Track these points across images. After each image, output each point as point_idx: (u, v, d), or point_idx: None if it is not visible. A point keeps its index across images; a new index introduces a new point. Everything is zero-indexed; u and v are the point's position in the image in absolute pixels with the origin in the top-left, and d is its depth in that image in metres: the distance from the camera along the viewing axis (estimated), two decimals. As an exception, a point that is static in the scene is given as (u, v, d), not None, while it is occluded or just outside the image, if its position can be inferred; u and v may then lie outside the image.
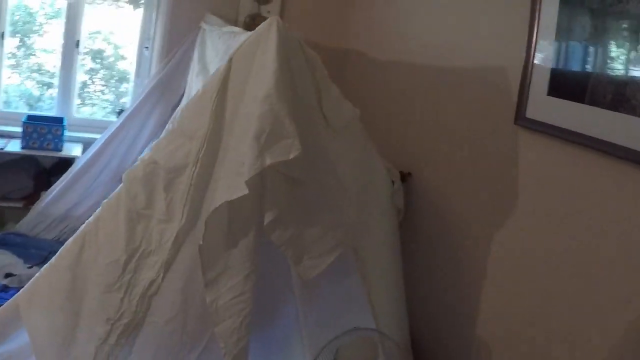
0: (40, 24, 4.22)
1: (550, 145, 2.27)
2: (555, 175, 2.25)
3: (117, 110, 4.02)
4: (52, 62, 4.22)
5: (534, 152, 2.38)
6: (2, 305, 2.84)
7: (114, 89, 4.44)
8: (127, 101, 4.30)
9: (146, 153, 2.26)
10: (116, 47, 4.38)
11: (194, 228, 2.16)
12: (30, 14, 4.15)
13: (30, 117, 3.80)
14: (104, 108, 4.46)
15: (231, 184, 2.02)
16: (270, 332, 2.42)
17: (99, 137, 3.65)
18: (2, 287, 3.12)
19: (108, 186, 3.58)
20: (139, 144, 3.63)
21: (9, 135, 3.82)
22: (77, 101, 4.19)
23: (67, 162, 3.87)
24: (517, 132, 2.45)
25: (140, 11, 4.03)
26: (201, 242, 2.09)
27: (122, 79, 4.44)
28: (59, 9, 4.12)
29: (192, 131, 2.13)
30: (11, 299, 2.32)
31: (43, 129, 3.66)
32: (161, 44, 3.64)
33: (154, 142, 2.27)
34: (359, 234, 2.43)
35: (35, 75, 4.29)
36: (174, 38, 3.59)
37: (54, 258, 2.31)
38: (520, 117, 2.42)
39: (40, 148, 3.69)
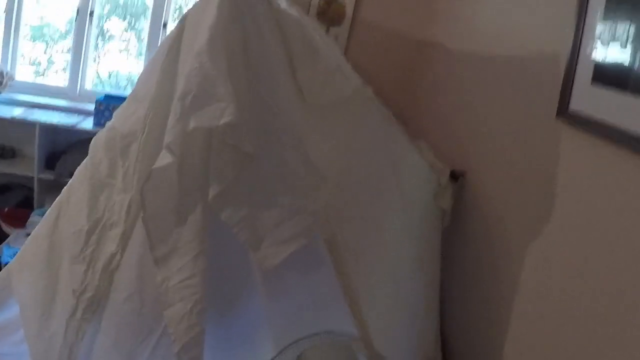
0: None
1: (595, 144, 1.87)
2: (601, 178, 1.84)
3: None
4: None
5: (578, 149, 1.98)
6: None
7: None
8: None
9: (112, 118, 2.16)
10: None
11: (143, 200, 2.02)
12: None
13: (107, 96, 3.85)
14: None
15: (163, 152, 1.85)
16: (235, 324, 2.19)
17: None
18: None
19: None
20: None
21: (88, 113, 3.92)
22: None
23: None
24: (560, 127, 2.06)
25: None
26: (143, 214, 1.92)
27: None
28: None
29: (142, 95, 2.00)
30: (5, 267, 2.33)
31: (115, 107, 3.68)
32: None
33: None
34: (355, 228, 2.15)
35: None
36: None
37: (37, 225, 2.29)
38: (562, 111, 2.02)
39: (107, 127, 3.74)
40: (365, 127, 2.22)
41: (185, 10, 2.07)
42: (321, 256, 2.05)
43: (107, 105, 3.70)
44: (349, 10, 3.44)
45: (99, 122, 3.71)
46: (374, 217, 2.24)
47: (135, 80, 2.23)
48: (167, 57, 1.93)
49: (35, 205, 3.81)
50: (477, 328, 2.53)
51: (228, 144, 1.82)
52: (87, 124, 3.80)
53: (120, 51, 4.33)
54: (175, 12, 4.05)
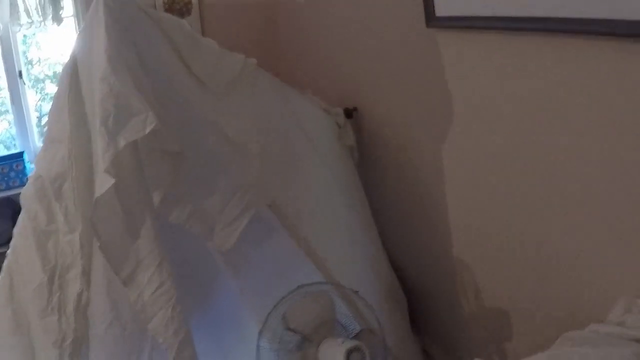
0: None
1: (468, 39, 2.11)
2: (481, 67, 2.09)
3: None
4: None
5: (454, 50, 2.21)
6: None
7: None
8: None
9: (34, 169, 2.19)
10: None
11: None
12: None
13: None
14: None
15: (100, 178, 1.92)
16: (216, 313, 2.31)
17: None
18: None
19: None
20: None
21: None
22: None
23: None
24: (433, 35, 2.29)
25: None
26: (98, 243, 1.99)
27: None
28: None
29: (58, 135, 2.04)
30: None
31: (4, 168, 3.66)
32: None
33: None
34: (289, 187, 2.30)
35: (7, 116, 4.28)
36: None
37: None
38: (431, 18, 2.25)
39: (8, 188, 3.69)
40: (263, 96, 2.37)
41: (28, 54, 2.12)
42: (268, 224, 2.19)
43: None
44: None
45: (-5, 189, 3.67)
46: (300, 175, 2.39)
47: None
48: (70, 92, 1.98)
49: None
50: (417, 245, 2.75)
51: (156, 150, 1.92)
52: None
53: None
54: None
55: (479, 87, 2.12)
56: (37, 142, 4.09)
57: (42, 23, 3.72)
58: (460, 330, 2.58)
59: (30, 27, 3.73)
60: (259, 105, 2.32)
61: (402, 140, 2.74)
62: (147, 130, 1.82)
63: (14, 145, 4.23)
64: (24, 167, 3.71)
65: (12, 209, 3.87)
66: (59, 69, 4.26)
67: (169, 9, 3.54)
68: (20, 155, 3.84)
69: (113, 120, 1.82)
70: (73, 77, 2.00)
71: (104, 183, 1.87)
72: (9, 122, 4.25)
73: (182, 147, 1.96)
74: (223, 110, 2.15)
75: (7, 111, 4.22)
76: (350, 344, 1.92)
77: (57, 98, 2.05)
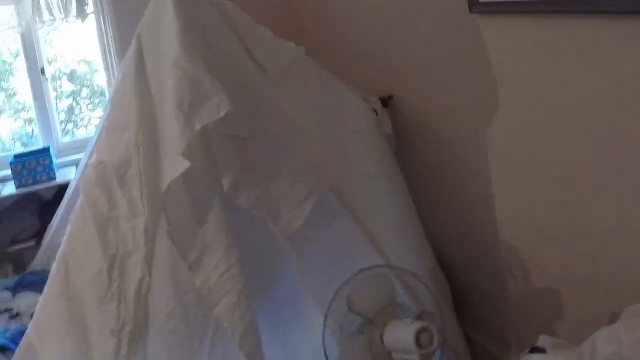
0: (10, 64, 4.19)
1: (512, 24, 2.12)
2: (525, 52, 2.11)
3: None
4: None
5: (498, 35, 2.23)
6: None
7: (99, 104, 4.38)
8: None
9: (94, 156, 2.18)
10: (88, 63, 4.32)
11: (160, 217, 2.07)
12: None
13: (17, 156, 3.77)
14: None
15: (173, 162, 1.92)
16: (280, 299, 2.31)
17: (83, 155, 3.58)
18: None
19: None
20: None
21: (2, 180, 3.81)
22: (69, 126, 4.16)
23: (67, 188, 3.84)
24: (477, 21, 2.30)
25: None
26: (167, 227, 1.99)
27: (102, 93, 4.37)
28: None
29: (124, 121, 2.03)
30: (23, 338, 2.28)
31: (31, 163, 3.63)
32: (120, 49, 3.51)
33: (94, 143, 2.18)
34: (341, 174, 2.31)
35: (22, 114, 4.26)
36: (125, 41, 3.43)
37: (45, 287, 2.27)
38: (474, 4, 2.27)
39: (35, 182, 3.67)
40: (313, 82, 2.38)
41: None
42: (330, 208, 2.20)
43: (23, 164, 3.61)
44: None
45: (21, 183, 3.63)
46: (347, 162, 2.41)
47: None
48: (136, 77, 1.98)
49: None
50: (460, 233, 2.77)
51: (226, 134, 1.93)
52: (9, 189, 3.70)
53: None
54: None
55: (523, 72, 2.15)
56: (60, 138, 4.07)
57: (65, 20, 3.69)
58: (507, 317, 2.60)
59: (53, 24, 3.70)
60: (311, 91, 2.34)
61: (441, 128, 2.76)
62: (222, 114, 1.83)
63: (32, 142, 4.22)
64: (51, 162, 3.69)
65: (38, 204, 3.86)
66: (77, 66, 4.26)
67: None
68: (46, 150, 3.82)
69: (188, 104, 1.82)
70: (139, 63, 2.00)
71: (177, 167, 1.87)
72: (26, 121, 4.23)
73: (250, 131, 1.97)
74: (284, 96, 2.16)
75: (23, 109, 4.21)
76: (418, 324, 1.94)
77: (122, 84, 2.05)
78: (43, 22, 3.66)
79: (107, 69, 3.95)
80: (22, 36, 3.78)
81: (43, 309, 2.26)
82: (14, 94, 4.20)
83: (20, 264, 3.85)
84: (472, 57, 2.38)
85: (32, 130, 4.26)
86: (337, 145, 2.40)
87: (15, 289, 3.41)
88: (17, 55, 4.10)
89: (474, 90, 2.43)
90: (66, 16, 3.66)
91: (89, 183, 2.12)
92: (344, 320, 2.13)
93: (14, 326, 3.14)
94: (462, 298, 2.78)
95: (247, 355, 1.93)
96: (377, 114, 2.78)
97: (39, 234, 3.74)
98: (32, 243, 3.74)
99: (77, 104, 4.30)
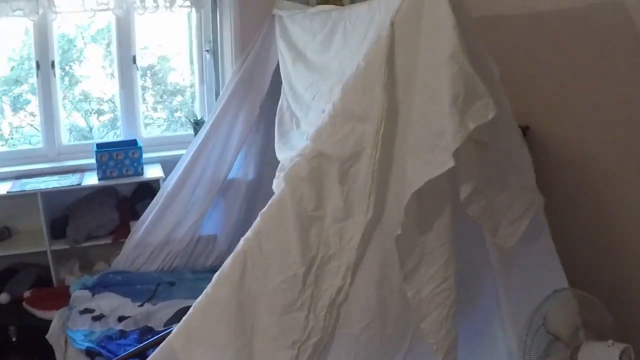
0: (80, 50, 3.95)
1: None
2: None
3: (193, 121, 3.73)
4: (99, 88, 3.97)
5: None
6: (128, 352, 2.63)
7: (168, 103, 4.19)
8: (181, 115, 4.10)
9: (302, 147, 2.00)
10: (164, 60, 4.12)
11: (380, 219, 1.92)
12: (70, 41, 3.87)
13: (99, 146, 3.53)
14: (159, 126, 4.20)
15: (430, 160, 1.78)
16: (472, 316, 2.19)
17: (184, 153, 3.39)
18: (119, 333, 2.88)
19: (206, 200, 3.37)
20: (230, 151, 3.35)
21: (80, 170, 3.56)
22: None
23: (148, 186, 3.62)
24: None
25: (189, 15, 3.79)
26: (399, 232, 1.85)
27: (174, 92, 4.18)
28: (100, 29, 3.87)
29: (362, 112, 1.88)
30: (163, 343, 2.05)
31: (119, 154, 3.40)
32: (234, 42, 3.35)
33: (311, 133, 2.01)
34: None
35: (82, 105, 4.01)
36: (246, 34, 3.30)
37: (208, 288, 2.05)
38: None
39: (120, 175, 3.44)
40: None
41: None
42: (537, 225, 2.10)
43: (110, 154, 3.38)
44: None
45: (105, 175, 3.39)
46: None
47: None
48: (386, 67, 1.84)
49: (54, 281, 3.40)
50: (599, 265, 2.68)
51: (473, 139, 1.80)
52: (90, 180, 3.45)
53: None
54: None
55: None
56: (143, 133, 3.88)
57: (169, 9, 3.49)
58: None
59: (155, 11, 3.49)
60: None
61: (583, 161, 2.70)
62: (490, 117, 1.72)
63: (90, 136, 3.99)
64: (140, 156, 3.46)
65: (117, 198, 3.63)
66: (154, 61, 4.06)
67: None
68: (134, 142, 3.60)
69: (462, 101, 1.70)
70: (390, 54, 1.86)
71: (439, 166, 1.74)
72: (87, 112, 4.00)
73: (490, 138, 1.85)
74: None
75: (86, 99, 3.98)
76: (621, 346, 1.89)
77: (365, 71, 1.90)
78: (145, 8, 3.43)
79: (201, 65, 3.78)
80: (118, 20, 3.56)
81: (199, 313, 2.03)
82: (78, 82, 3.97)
83: (87, 262, 3.59)
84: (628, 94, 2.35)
85: (90, 126, 4.04)
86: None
87: (94, 289, 3.16)
88: (89, 42, 3.88)
89: (620, 122, 2.39)
90: (171, 5, 3.46)
91: (297, 176, 1.94)
92: (542, 339, 2.05)
93: (98, 328, 2.91)
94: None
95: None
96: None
97: (117, 232, 3.50)
98: (108, 240, 3.48)
99: (144, 100, 4.07)
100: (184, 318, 2.04)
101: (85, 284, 3.19)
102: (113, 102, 3.98)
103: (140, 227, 3.32)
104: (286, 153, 2.45)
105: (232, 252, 3.40)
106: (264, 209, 2.03)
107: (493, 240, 2.00)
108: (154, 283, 3.21)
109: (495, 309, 2.19)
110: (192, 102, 4.03)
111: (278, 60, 3.17)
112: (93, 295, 3.13)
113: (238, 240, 3.40)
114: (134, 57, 3.69)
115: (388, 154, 1.88)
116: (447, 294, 1.90)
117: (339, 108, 1.93)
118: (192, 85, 4.04)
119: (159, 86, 4.15)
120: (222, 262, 3.34)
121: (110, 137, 4.02)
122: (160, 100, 4.17)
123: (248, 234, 2.03)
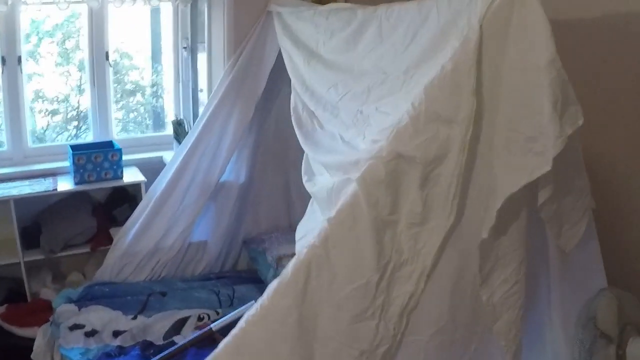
0: (35, 46, 3.65)
1: None
2: None
3: (175, 121, 3.54)
4: (54, 87, 3.69)
5: None
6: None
7: (126, 103, 3.95)
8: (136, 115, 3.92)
9: (377, 148, 1.92)
10: (125, 57, 3.89)
11: (458, 223, 1.89)
12: (27, 36, 3.56)
13: (75, 148, 3.28)
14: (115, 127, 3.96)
15: (523, 164, 1.77)
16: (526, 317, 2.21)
17: (173, 156, 3.20)
18: (117, 349, 2.69)
19: (197, 206, 3.18)
20: (222, 154, 3.17)
21: (50, 174, 3.31)
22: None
23: (123, 190, 3.40)
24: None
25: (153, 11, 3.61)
26: (485, 236, 1.83)
27: (134, 91, 3.96)
28: (56, 24, 3.59)
29: (449, 114, 1.83)
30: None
31: (98, 157, 3.17)
32: (226, 39, 3.13)
33: (390, 132, 1.93)
34: None
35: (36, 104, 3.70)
36: (240, 31, 3.11)
37: (264, 300, 1.90)
38: None
39: (99, 180, 3.21)
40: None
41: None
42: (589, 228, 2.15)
43: (88, 157, 3.14)
44: None
45: (83, 179, 3.15)
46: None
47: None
48: (475, 71, 1.81)
49: (28, 295, 3.12)
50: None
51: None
52: (65, 184, 3.20)
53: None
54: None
55: None
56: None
57: (147, 3, 3.30)
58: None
59: (134, 4, 3.27)
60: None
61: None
62: (580, 122, 1.73)
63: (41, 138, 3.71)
64: (120, 159, 3.25)
65: (91, 204, 3.38)
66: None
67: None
68: (110, 144, 3.38)
69: (560, 106, 1.71)
70: (478, 56, 1.82)
71: (535, 170, 1.74)
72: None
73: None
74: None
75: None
76: None
77: (452, 73, 1.85)
78: (123, 1, 3.22)
79: (177, 63, 3.60)
80: (91, 12, 3.32)
81: (253, 327, 1.91)
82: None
83: (59, 273, 3.33)
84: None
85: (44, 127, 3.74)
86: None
87: (80, 302, 2.93)
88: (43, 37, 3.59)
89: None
90: (149, -2, 3.26)
91: (373, 179, 1.86)
92: (591, 336, 2.10)
93: (94, 345, 2.71)
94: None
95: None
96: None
97: (95, 239, 3.27)
98: (86, 249, 3.24)
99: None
100: (232, 332, 1.90)
101: (70, 297, 2.95)
102: (68, 102, 3.73)
103: (127, 235, 3.11)
104: (325, 156, 2.35)
105: (222, 258, 3.41)
106: (332, 215, 1.90)
107: (557, 242, 2.02)
108: (144, 294, 3.01)
109: (547, 309, 2.21)
110: (156, 101, 3.83)
111: (274, 59, 3.09)
112: (79, 309, 2.89)
113: (229, 246, 3.42)
114: (107, 53, 3.45)
115: (471, 158, 1.86)
116: (517, 296, 1.91)
117: (421, 110, 1.86)
118: (154, 85, 3.85)
119: (117, 85, 3.91)
120: (212, 269, 3.35)
121: (64, 139, 3.75)
122: (120, 99, 3.93)
123: (314, 241, 1.90)
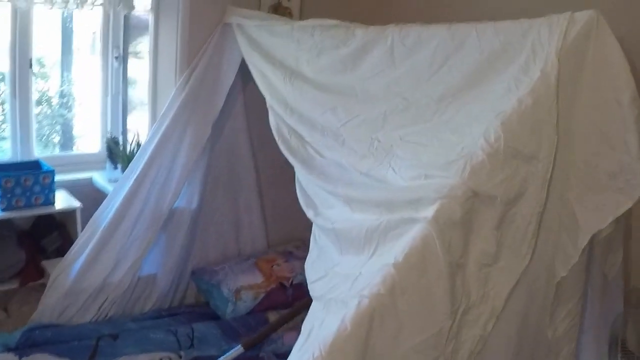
0: None
1: None
2: None
3: (110, 139, 3.14)
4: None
5: None
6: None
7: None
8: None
9: (442, 184, 1.80)
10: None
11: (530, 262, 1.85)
12: None
13: (7, 167, 2.85)
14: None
15: (604, 202, 1.80)
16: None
17: (119, 181, 2.85)
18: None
19: (147, 237, 2.85)
20: (174, 177, 2.86)
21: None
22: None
23: (50, 217, 2.97)
24: None
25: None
26: (564, 274, 1.85)
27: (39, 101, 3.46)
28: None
29: (530, 150, 1.78)
30: None
31: (28, 180, 2.73)
32: (179, 53, 2.85)
33: (459, 168, 1.81)
34: None
35: None
36: (193, 43, 2.85)
37: (316, 355, 1.70)
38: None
39: (28, 206, 2.77)
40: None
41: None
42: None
43: (17, 180, 2.70)
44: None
45: (11, 204, 2.71)
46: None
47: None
48: (556, 107, 1.78)
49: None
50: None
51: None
52: (-12, 211, 2.72)
53: None
54: None
55: None
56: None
57: (79, 6, 2.91)
58: None
59: (66, 6, 2.86)
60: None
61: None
62: None
63: None
64: (52, 182, 2.82)
65: (15, 232, 2.91)
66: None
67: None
68: (38, 164, 2.96)
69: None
70: (557, 89, 1.79)
71: (617, 207, 1.78)
72: None
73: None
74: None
75: None
76: None
77: (532, 108, 1.78)
78: (53, 3, 2.80)
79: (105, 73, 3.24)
80: (16, 14, 2.87)
81: None
82: None
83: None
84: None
85: None
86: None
87: (20, 350, 2.51)
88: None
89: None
90: (82, 2, 2.87)
91: (448, 221, 1.72)
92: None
93: (44, 403, 2.33)
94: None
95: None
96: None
97: (24, 273, 2.82)
98: (14, 284, 2.78)
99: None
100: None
101: (7, 344, 2.51)
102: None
103: (68, 270, 2.70)
104: (344, 189, 2.12)
105: (172, 292, 3.07)
106: (399, 259, 1.73)
107: (603, 269, 2.04)
108: (92, 337, 2.62)
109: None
110: (68, 112, 3.41)
111: (234, 75, 2.87)
112: (20, 358, 2.47)
113: (179, 279, 3.08)
114: (31, 60, 3.01)
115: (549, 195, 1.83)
116: (576, 328, 1.95)
117: (499, 146, 1.78)
118: (65, 95, 3.42)
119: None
120: (162, 305, 3.01)
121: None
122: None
123: (378, 289, 1.74)
